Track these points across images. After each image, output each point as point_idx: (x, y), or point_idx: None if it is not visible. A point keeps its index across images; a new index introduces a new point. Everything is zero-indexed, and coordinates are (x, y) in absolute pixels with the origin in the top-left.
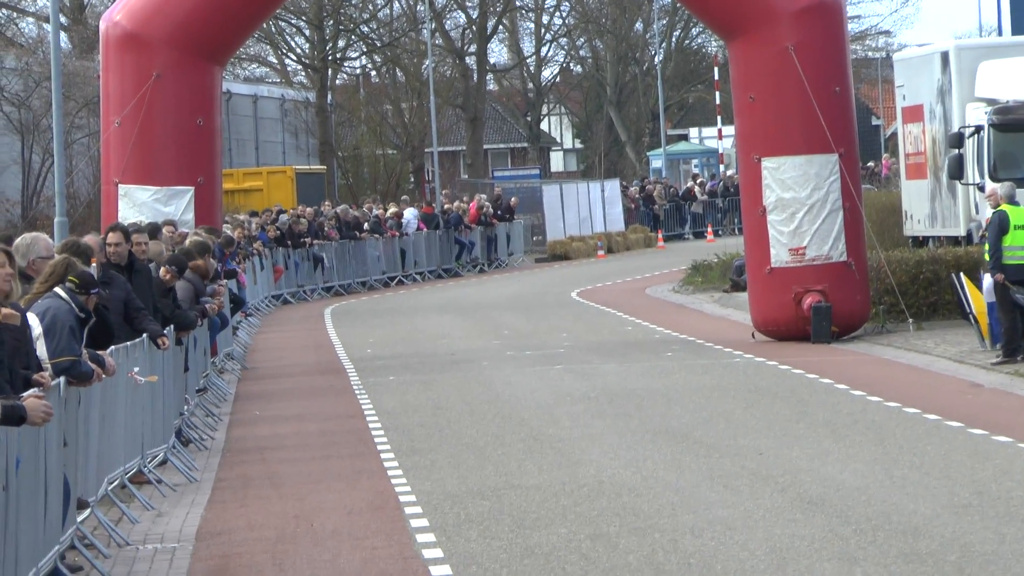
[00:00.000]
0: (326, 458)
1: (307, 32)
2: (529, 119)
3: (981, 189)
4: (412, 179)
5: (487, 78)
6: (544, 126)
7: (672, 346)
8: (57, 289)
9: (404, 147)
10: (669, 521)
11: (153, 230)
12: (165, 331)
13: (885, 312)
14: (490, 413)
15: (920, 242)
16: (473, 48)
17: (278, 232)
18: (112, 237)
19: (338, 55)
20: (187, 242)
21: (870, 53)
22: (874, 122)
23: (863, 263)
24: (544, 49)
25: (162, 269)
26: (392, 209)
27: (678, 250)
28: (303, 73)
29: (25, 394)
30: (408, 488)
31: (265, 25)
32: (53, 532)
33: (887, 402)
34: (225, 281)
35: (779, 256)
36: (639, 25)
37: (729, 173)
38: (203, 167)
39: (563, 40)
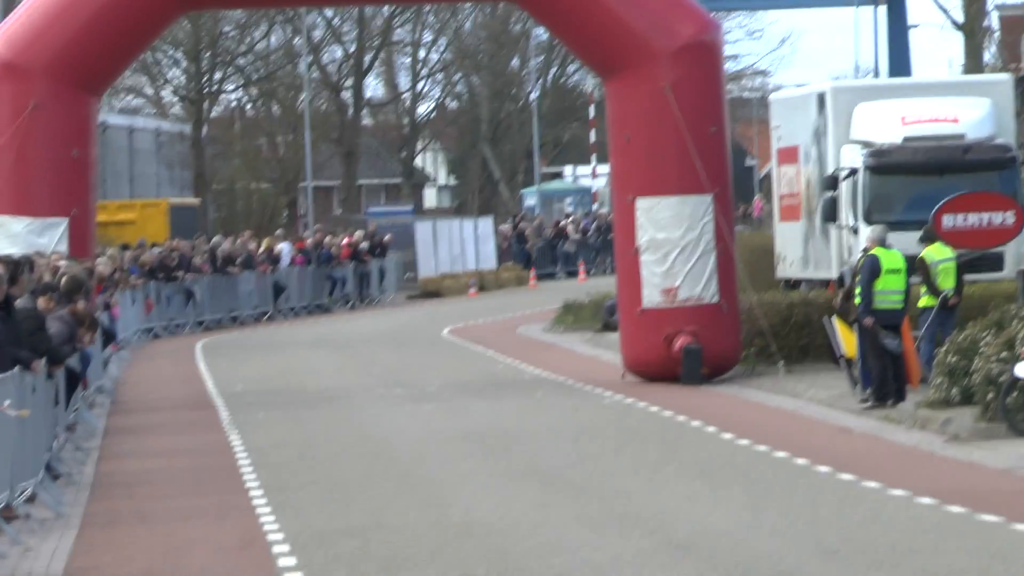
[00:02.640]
0: (195, 494)
1: (184, 64)
2: (404, 155)
3: (855, 232)
4: (286, 213)
5: (363, 113)
6: (419, 162)
7: (542, 386)
8: None
9: (279, 181)
10: (538, 563)
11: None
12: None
13: (756, 354)
14: (360, 451)
15: (793, 285)
16: (349, 82)
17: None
18: None
19: (214, 87)
20: (62, 278)
21: (746, 93)
22: (748, 162)
23: (735, 305)
24: (420, 84)
25: (41, 299)
26: (266, 242)
27: (550, 289)
28: (179, 105)
29: None
30: (277, 526)
31: (142, 56)
32: None
33: (757, 445)
34: (97, 314)
35: (651, 297)
36: (515, 61)
37: (603, 212)
38: (77, 199)
39: (439, 76)
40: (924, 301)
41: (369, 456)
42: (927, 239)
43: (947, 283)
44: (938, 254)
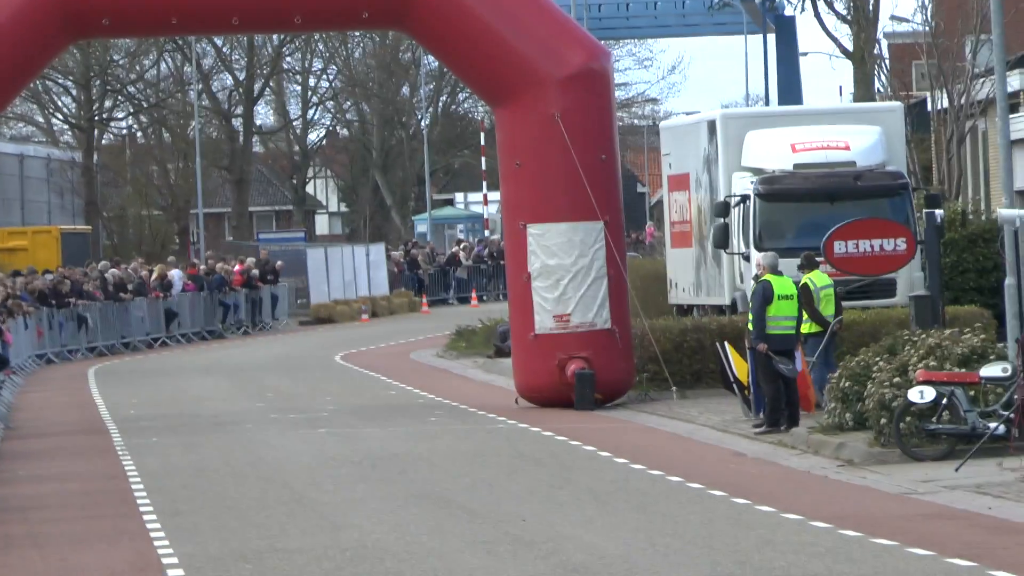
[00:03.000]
0: (88, 518)
1: (74, 92)
2: (295, 181)
3: (746, 259)
4: (177, 240)
5: (253, 140)
6: (310, 189)
7: (436, 411)
8: None
9: (170, 208)
10: None
11: None
12: None
13: (649, 380)
14: (253, 475)
15: (685, 310)
16: (240, 110)
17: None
18: None
19: (105, 115)
20: None
21: (636, 120)
22: (639, 189)
23: (627, 330)
24: (310, 112)
25: None
26: (158, 269)
27: (442, 315)
28: (70, 133)
29: None
30: (171, 550)
31: (32, 84)
32: None
33: (650, 470)
34: None
35: (543, 322)
36: (406, 89)
37: (494, 238)
38: None
39: (329, 103)
40: (807, 328)
41: (263, 480)
42: (806, 266)
43: (828, 309)
44: (819, 281)
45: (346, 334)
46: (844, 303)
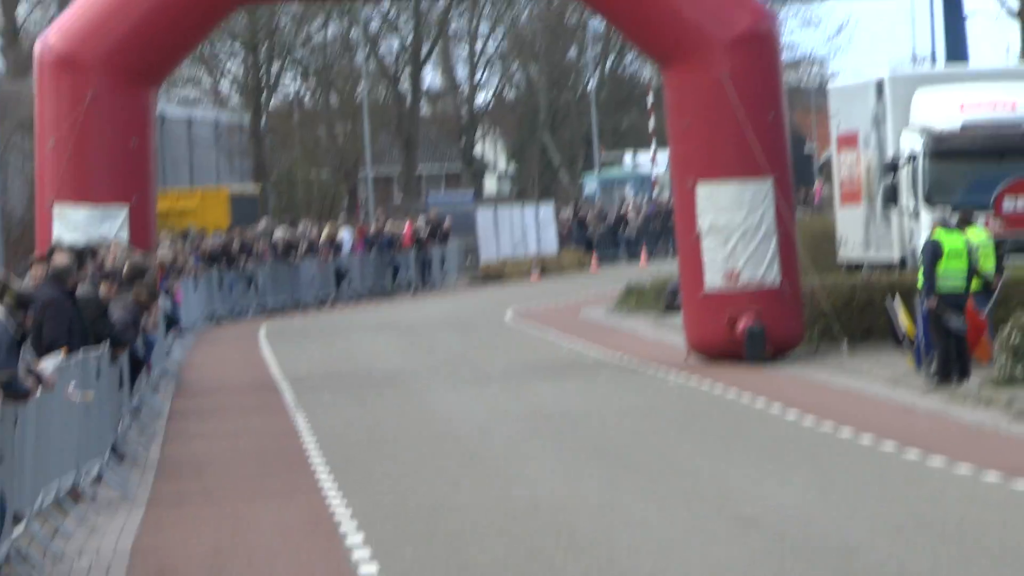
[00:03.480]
0: (262, 475)
1: (241, 56)
2: (463, 143)
3: (916, 216)
4: (346, 202)
5: (421, 102)
6: (478, 150)
7: (606, 368)
8: None
9: (338, 170)
10: (605, 540)
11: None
12: (101, 348)
13: (819, 336)
14: (425, 432)
15: (854, 268)
16: (407, 72)
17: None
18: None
19: (272, 79)
20: (125, 264)
21: (804, 82)
22: (807, 149)
23: (796, 287)
24: (477, 74)
25: (103, 286)
26: (327, 228)
27: (611, 273)
28: (237, 96)
29: None
30: (344, 506)
31: (200, 48)
32: None
33: (821, 424)
34: (160, 299)
35: (713, 280)
36: (573, 51)
37: (663, 197)
38: (137, 187)
39: (496, 65)
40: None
41: (435, 436)
42: (963, 223)
43: (987, 265)
44: (976, 237)
45: (516, 292)
46: (1015, 257)
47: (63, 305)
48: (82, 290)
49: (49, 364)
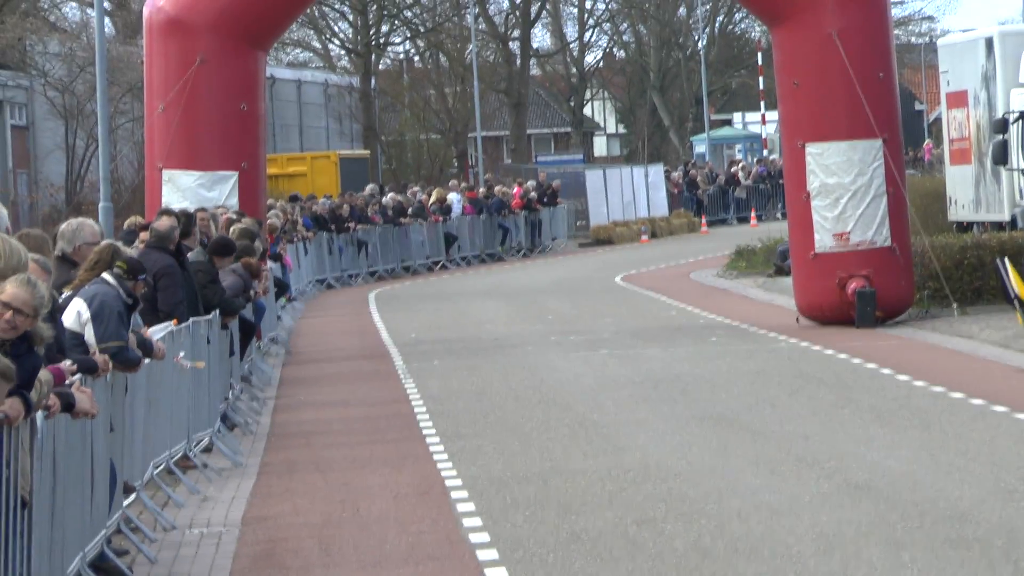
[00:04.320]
0: (371, 443)
1: (351, 17)
2: (572, 104)
3: None
4: (456, 164)
5: (530, 63)
6: (587, 111)
7: (716, 331)
8: (105, 275)
9: (447, 132)
10: (715, 506)
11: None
12: (211, 316)
13: (929, 297)
14: (535, 398)
15: (964, 227)
16: (516, 33)
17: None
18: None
19: (381, 40)
20: (232, 229)
21: (913, 39)
22: (917, 107)
23: (907, 248)
24: (587, 34)
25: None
26: (436, 192)
27: (722, 235)
28: (347, 58)
29: (74, 383)
30: (454, 473)
31: (309, 10)
32: (100, 517)
33: (932, 387)
34: (270, 265)
35: (823, 241)
36: (682, 10)
37: (773, 158)
38: (247, 152)
39: (606, 25)
40: None
41: (544, 403)
42: None
43: None
44: None
45: (625, 255)
46: None
47: (176, 273)
48: (193, 255)
49: (158, 331)
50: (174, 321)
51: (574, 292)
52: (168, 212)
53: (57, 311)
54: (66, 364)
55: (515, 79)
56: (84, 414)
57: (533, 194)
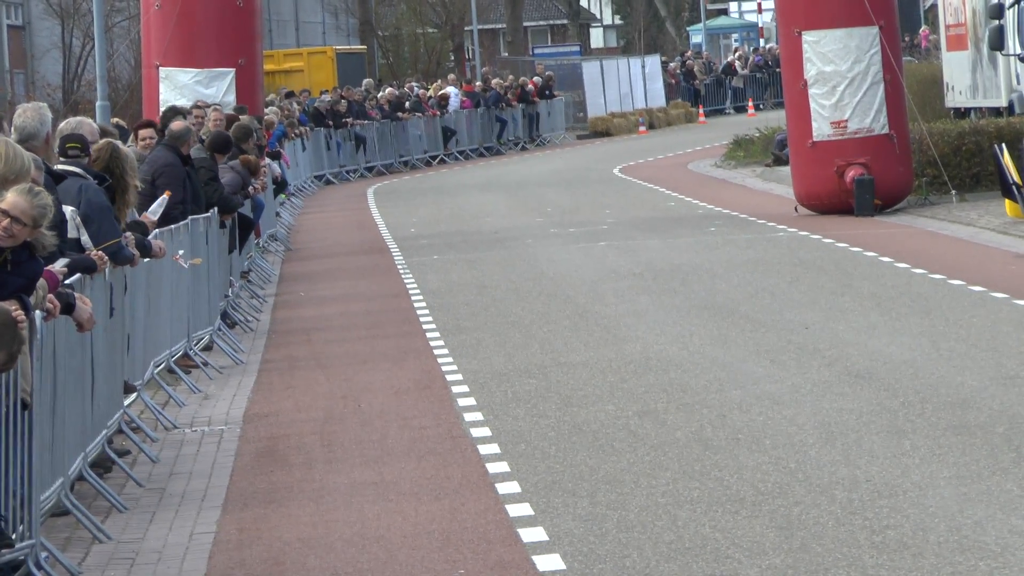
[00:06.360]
0: (372, 338)
1: None
2: None
3: (1022, 60)
4: (452, 58)
5: None
6: (584, 2)
7: (715, 221)
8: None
9: (444, 25)
10: (716, 396)
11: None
12: (209, 213)
13: (928, 184)
14: (535, 291)
15: (962, 113)
16: None
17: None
18: (144, 133)
19: None
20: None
21: None
22: None
23: (905, 135)
24: None
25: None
26: (434, 87)
27: (719, 125)
28: None
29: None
30: (455, 367)
31: None
32: (101, 416)
33: (932, 274)
34: (268, 161)
35: (821, 129)
36: None
37: (769, 47)
38: (244, 48)
39: None
40: None
41: (544, 295)
42: None
43: None
44: None
45: (623, 147)
46: None
47: (178, 169)
48: (195, 152)
49: (155, 210)
50: (166, 193)
51: (573, 184)
52: (176, 111)
53: (62, 222)
54: (58, 266)
55: None
56: (81, 327)
57: (530, 87)
